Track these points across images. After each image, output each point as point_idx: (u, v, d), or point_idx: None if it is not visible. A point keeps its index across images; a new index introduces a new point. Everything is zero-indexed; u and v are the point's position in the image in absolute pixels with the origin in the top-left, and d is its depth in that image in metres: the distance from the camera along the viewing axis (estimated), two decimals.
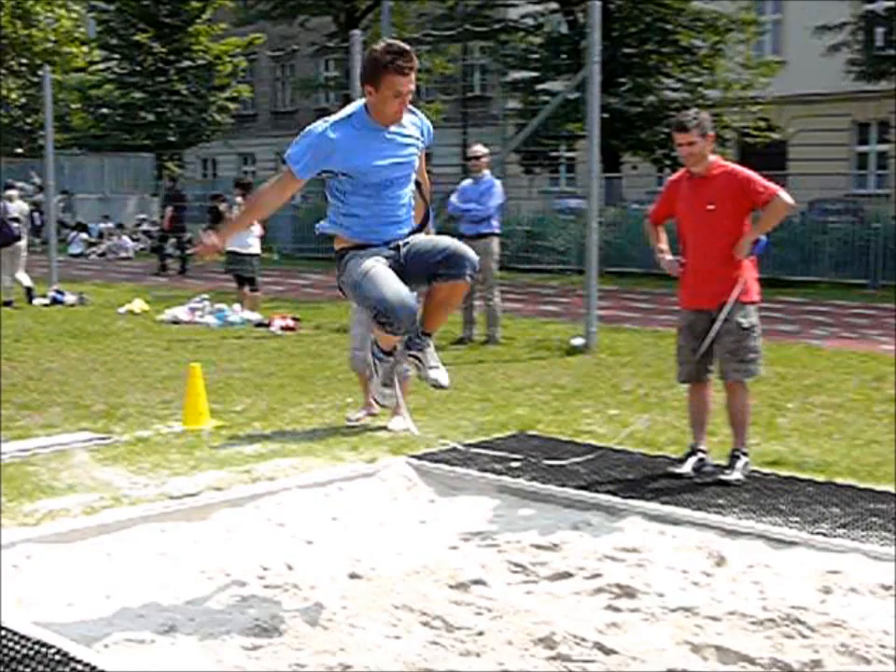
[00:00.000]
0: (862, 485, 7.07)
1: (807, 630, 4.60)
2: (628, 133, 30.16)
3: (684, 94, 30.74)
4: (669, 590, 5.16)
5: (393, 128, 5.08)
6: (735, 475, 7.06)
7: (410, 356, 5.38)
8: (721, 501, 6.71)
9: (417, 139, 5.21)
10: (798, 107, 36.74)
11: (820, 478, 7.27)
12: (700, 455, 7.35)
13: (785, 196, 7.02)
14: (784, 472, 7.28)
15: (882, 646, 4.40)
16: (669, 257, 7.34)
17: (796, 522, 6.31)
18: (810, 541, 5.93)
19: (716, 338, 7.09)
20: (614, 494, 6.84)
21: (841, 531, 6.13)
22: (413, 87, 5.01)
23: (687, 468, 7.26)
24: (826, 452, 8.02)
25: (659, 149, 30.96)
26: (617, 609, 4.94)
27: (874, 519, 6.33)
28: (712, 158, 7.15)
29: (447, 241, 5.24)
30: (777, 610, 4.79)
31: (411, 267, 5.15)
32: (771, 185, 7.09)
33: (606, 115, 24.35)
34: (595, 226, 13.39)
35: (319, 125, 5.02)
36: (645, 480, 7.22)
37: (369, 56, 5.02)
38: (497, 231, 13.86)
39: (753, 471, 7.23)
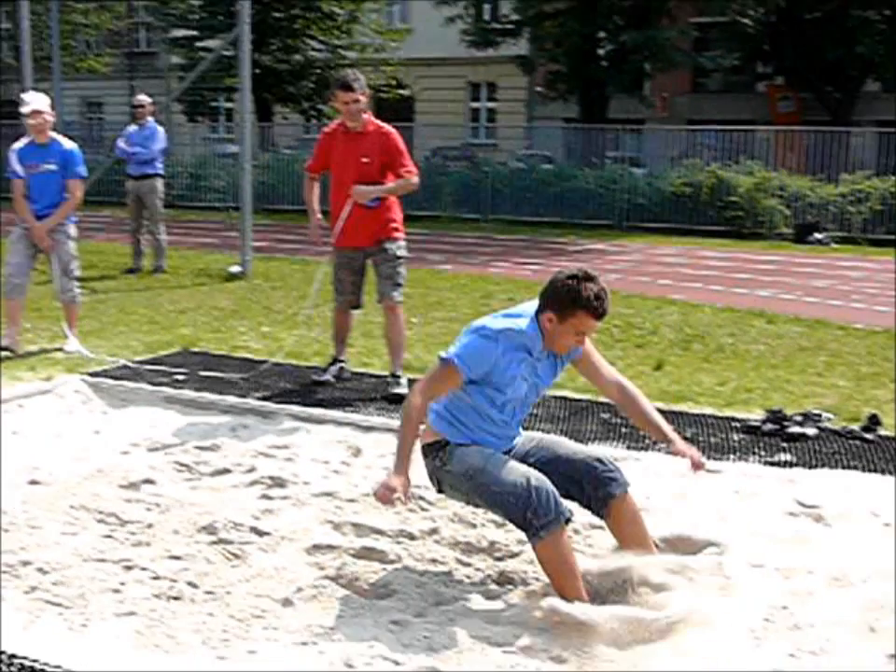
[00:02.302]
0: None
1: (427, 504, 4.79)
2: (278, 87, 29.87)
3: (327, 55, 30.70)
4: (314, 479, 5.25)
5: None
6: (405, 390, 6.91)
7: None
8: (357, 402, 6.86)
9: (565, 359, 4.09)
10: (423, 68, 37.49)
11: None
12: (340, 364, 7.47)
13: (416, 180, 7.07)
14: (411, 376, 7.46)
15: (485, 513, 4.62)
16: (317, 222, 7.29)
17: None
18: None
19: (376, 267, 7.16)
20: (267, 399, 6.86)
21: None
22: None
23: (329, 375, 7.37)
24: None
25: (306, 102, 30.86)
26: (270, 498, 4.98)
27: None
28: (365, 115, 7.05)
29: (578, 454, 4.02)
30: None
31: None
32: (411, 165, 7.07)
33: (258, 70, 24.06)
34: (248, 168, 13.30)
35: (491, 333, 3.85)
36: (294, 386, 7.28)
37: (565, 284, 3.82)
38: (160, 172, 13.46)
39: (383, 377, 7.42)
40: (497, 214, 23.27)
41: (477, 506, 4.05)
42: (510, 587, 4.02)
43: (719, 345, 9.11)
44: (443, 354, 3.88)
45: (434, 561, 4.21)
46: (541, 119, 35.44)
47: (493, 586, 4.04)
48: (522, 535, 4.40)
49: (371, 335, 8.97)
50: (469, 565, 4.20)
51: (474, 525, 4.54)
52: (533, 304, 3.99)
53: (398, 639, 3.56)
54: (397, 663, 3.39)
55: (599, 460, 3.97)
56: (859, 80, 31.59)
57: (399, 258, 7.19)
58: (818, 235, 20.19)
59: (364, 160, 6.97)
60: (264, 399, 6.87)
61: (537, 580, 4.01)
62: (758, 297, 12.47)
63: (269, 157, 25.84)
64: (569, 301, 3.79)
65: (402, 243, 7.26)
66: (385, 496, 3.72)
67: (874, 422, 6.38)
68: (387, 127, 7.14)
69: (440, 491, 4.11)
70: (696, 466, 4.02)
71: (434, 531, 4.50)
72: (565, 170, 23.69)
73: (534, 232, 21.11)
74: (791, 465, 5.71)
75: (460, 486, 3.94)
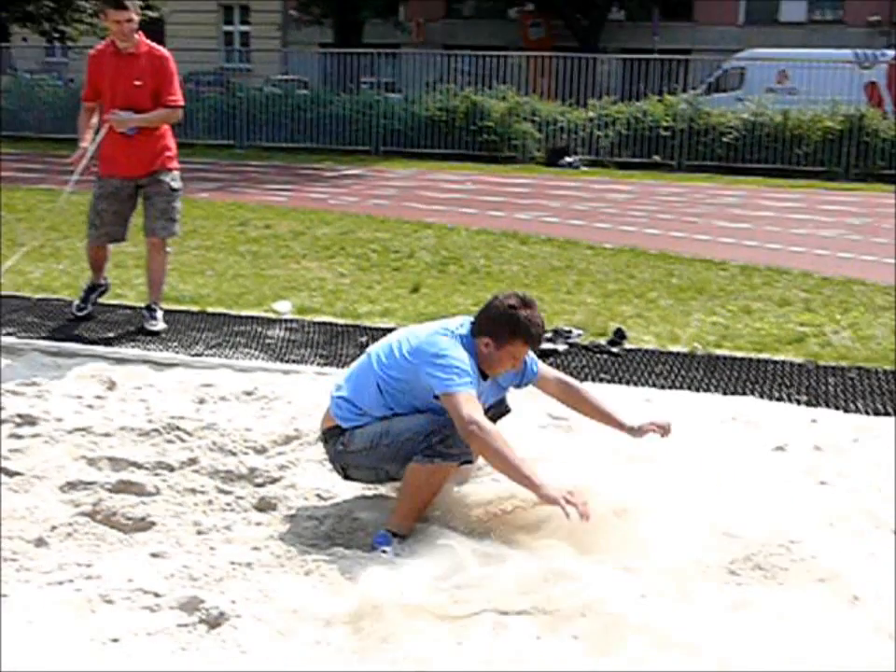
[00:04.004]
0: (233, 313, 7.30)
1: (185, 435, 4.72)
2: (15, 5, 28.13)
3: None
4: (66, 415, 5.05)
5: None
6: (160, 325, 6.79)
7: None
8: (110, 335, 6.65)
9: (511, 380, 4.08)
10: None
11: (195, 308, 7.41)
12: (101, 288, 7.18)
13: (180, 113, 6.81)
14: (167, 307, 7.24)
15: (245, 440, 4.63)
16: (82, 150, 6.63)
17: (175, 346, 6.41)
18: (187, 362, 6.07)
19: (148, 199, 6.80)
20: (14, 336, 6.56)
21: (212, 351, 6.33)
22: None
23: (90, 305, 7.05)
24: (200, 287, 8.15)
25: (47, 22, 29.22)
26: (19, 437, 4.76)
27: (239, 339, 6.59)
28: (136, 36, 6.60)
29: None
30: (160, 422, 4.85)
31: None
32: (179, 95, 6.76)
33: None
34: None
35: (459, 349, 3.72)
36: (43, 321, 6.98)
37: (508, 311, 3.76)
38: None
39: (137, 308, 7.20)
40: (252, 140, 22.87)
41: (388, 475, 3.86)
42: (272, 512, 4.02)
43: (474, 267, 9.30)
44: (446, 390, 3.62)
45: (194, 491, 4.15)
46: (297, 43, 34.90)
47: (254, 513, 4.04)
48: (282, 460, 4.43)
49: (123, 265, 8.68)
50: (229, 493, 4.17)
51: (234, 453, 4.51)
52: (456, 321, 3.91)
53: (158, 571, 3.51)
54: (157, 594, 3.34)
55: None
56: (605, 8, 32.58)
57: (175, 190, 6.87)
58: (568, 159, 20.84)
59: (136, 83, 6.60)
60: (10, 335, 6.56)
61: (296, 507, 4.04)
62: (512, 219, 12.79)
63: (8, 81, 24.42)
64: (508, 329, 3.75)
65: (177, 174, 6.92)
66: (567, 503, 3.50)
67: (619, 336, 6.70)
68: (162, 49, 6.77)
69: (346, 478, 3.98)
70: (664, 431, 4.08)
71: (193, 461, 4.43)
72: (320, 95, 23.44)
73: (290, 159, 20.86)
74: None
75: (367, 461, 3.82)
